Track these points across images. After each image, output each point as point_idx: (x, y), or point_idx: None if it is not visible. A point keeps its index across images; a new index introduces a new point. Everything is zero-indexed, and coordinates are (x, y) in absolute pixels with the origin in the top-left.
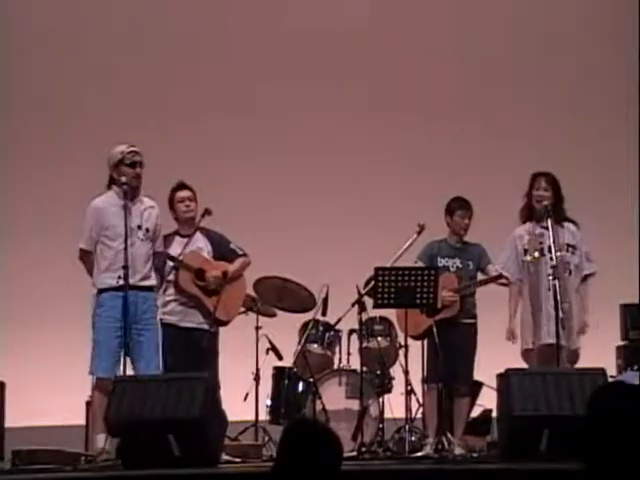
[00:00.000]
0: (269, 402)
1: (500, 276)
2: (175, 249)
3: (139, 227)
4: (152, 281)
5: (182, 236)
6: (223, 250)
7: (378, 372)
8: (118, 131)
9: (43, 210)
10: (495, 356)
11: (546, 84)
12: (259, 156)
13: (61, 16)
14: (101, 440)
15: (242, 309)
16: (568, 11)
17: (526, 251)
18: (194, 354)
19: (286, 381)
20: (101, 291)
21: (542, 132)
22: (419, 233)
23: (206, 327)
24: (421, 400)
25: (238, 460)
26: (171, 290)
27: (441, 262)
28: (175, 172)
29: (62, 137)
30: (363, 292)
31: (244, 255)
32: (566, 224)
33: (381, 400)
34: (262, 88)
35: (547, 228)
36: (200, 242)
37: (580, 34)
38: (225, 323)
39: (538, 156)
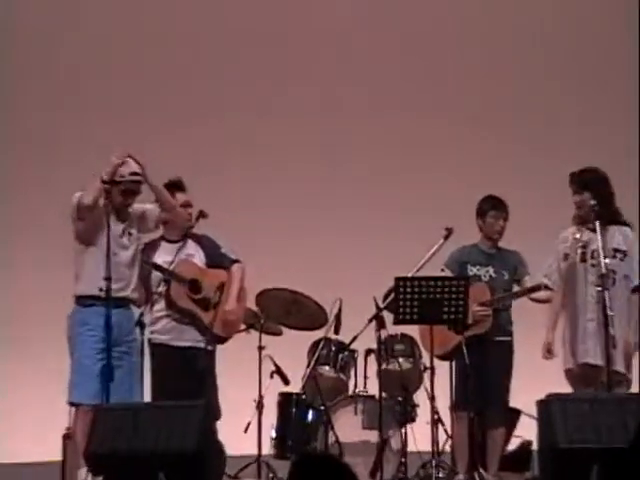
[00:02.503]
0: (274, 433)
1: (540, 287)
2: (163, 257)
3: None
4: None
5: (169, 242)
6: (215, 257)
7: (400, 398)
8: (119, 130)
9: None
10: (535, 379)
11: (551, 82)
12: (263, 158)
13: (62, 15)
14: (84, 474)
15: (243, 326)
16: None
17: (567, 256)
18: (189, 377)
19: (293, 409)
20: (85, 305)
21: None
22: (446, 238)
23: (202, 345)
24: (450, 431)
25: None
26: (160, 305)
27: (472, 270)
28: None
29: (63, 139)
30: (382, 306)
31: (237, 261)
32: (617, 227)
33: (403, 431)
34: (272, 89)
35: (593, 231)
36: (191, 248)
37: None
38: (223, 340)
39: (573, 155)
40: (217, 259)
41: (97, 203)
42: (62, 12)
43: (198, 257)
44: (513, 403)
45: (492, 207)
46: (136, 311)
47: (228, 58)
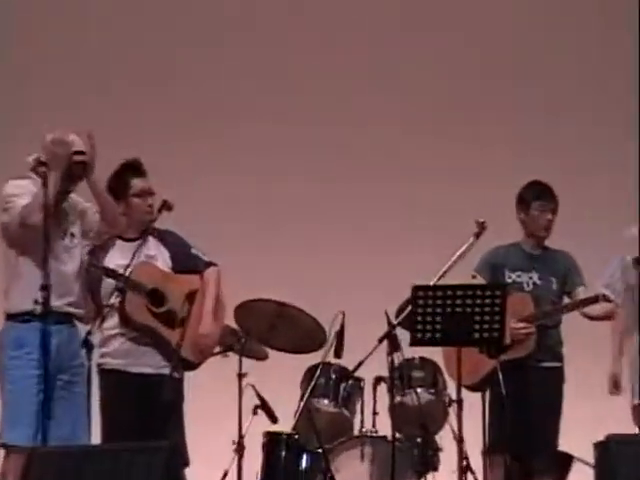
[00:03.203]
0: None
1: (597, 298)
2: (116, 259)
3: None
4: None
5: (125, 240)
6: (184, 258)
7: (418, 440)
8: (117, 133)
9: None
10: (591, 416)
11: (551, 82)
12: (261, 157)
13: (61, 18)
14: None
15: (218, 348)
16: None
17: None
18: (149, 412)
19: (283, 453)
20: (23, 321)
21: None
22: (478, 235)
23: (166, 372)
24: None
25: None
26: (113, 321)
27: (511, 277)
28: (166, 179)
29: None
30: (395, 322)
31: (211, 264)
32: None
33: None
34: (274, 92)
35: None
36: (152, 248)
37: None
38: (194, 366)
39: None
40: (187, 262)
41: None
42: (62, 14)
43: (161, 259)
44: (564, 446)
45: (537, 196)
46: (82, 329)
47: (229, 54)
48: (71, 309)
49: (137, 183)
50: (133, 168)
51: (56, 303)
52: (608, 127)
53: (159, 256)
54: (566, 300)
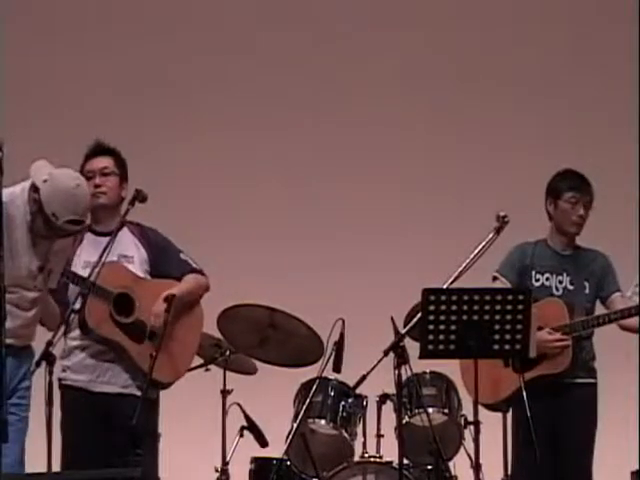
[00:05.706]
0: None
1: None
2: (85, 255)
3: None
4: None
5: (97, 234)
6: (168, 262)
7: (429, 467)
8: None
9: None
10: (625, 440)
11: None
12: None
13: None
14: None
15: (197, 361)
16: None
17: None
18: (115, 436)
19: None
20: None
21: None
22: (499, 230)
23: (135, 391)
24: None
25: None
26: (77, 331)
27: (539, 280)
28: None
29: (64, 141)
30: (403, 331)
31: (200, 273)
32: None
33: None
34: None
35: None
36: (129, 247)
37: None
38: (165, 385)
39: None
40: (171, 266)
41: None
42: (60, 16)
43: (138, 261)
44: (597, 475)
45: (570, 186)
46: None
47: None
48: (29, 343)
49: (87, 165)
50: (89, 152)
51: (20, 333)
52: (608, 127)
53: (135, 257)
54: (600, 308)
